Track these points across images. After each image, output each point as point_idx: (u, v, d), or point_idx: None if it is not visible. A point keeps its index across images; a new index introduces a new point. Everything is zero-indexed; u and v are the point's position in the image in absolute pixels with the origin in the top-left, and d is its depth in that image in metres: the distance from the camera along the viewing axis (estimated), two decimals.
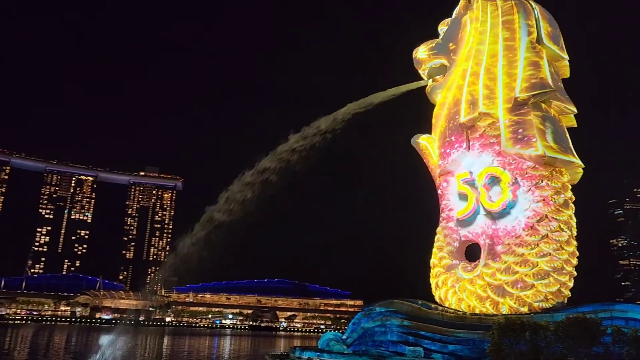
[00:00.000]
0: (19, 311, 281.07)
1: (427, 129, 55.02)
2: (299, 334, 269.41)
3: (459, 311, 41.47)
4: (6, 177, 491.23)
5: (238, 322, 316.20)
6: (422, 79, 56.32)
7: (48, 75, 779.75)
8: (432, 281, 46.99)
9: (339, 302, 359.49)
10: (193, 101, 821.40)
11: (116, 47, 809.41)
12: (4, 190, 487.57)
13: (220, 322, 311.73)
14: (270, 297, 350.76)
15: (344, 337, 16.76)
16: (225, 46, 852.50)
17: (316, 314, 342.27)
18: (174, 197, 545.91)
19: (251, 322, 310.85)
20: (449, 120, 51.72)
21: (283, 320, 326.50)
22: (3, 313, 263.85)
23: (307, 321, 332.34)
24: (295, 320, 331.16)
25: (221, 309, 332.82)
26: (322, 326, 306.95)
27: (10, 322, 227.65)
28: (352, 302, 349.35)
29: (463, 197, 50.15)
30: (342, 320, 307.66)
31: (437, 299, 44.80)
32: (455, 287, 44.54)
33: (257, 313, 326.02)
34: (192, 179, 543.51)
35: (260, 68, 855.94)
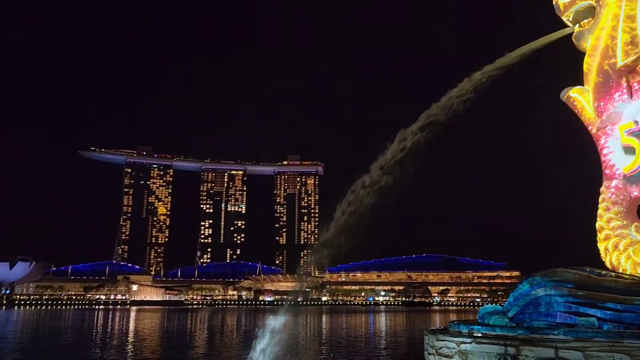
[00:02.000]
0: (195, 297, 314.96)
1: (578, 81, 49.61)
2: (454, 308, 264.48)
3: (636, 277, 37.24)
4: (171, 179, 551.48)
5: (391, 299, 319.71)
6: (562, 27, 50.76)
7: (188, 81, 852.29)
8: (600, 246, 42.58)
9: (493, 274, 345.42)
10: (331, 89, 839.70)
11: (254, 48, 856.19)
12: (170, 191, 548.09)
13: (374, 299, 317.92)
14: (420, 273, 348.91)
15: (505, 309, 15.94)
16: (361, 30, 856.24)
17: (470, 287, 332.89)
18: (316, 182, 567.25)
19: (404, 298, 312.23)
20: (603, 67, 46.14)
21: (436, 295, 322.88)
22: (182, 299, 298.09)
23: (460, 295, 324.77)
24: (449, 295, 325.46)
25: (373, 287, 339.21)
26: (478, 299, 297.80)
27: (189, 306, 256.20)
28: (507, 274, 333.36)
29: (629, 150, 44.43)
30: (498, 293, 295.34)
31: (607, 265, 40.66)
32: (629, 251, 40.01)
33: (409, 289, 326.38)
34: (331, 163, 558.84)
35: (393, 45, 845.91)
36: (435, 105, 18.74)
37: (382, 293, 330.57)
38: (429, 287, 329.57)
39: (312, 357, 45.06)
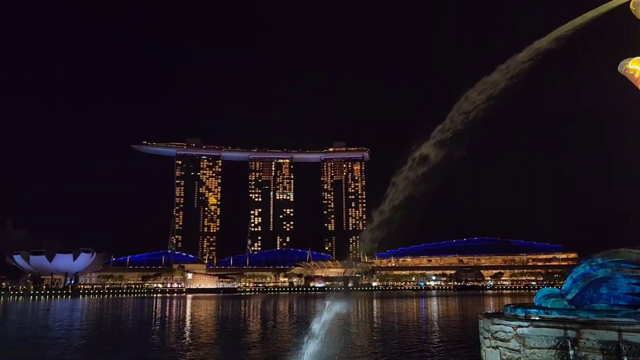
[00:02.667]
0: (247, 284, 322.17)
1: (634, 52, 46.87)
2: (508, 291, 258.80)
3: None
4: (219, 169, 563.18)
5: (442, 283, 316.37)
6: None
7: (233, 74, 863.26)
8: None
9: (549, 256, 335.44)
10: (375, 74, 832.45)
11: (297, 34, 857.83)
12: (219, 181, 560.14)
13: (425, 284, 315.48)
14: (472, 257, 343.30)
15: (563, 292, 15.41)
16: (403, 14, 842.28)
17: (524, 270, 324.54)
18: (362, 168, 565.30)
19: (456, 283, 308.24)
20: None
21: (489, 278, 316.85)
22: (236, 286, 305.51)
23: (515, 278, 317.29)
24: (502, 278, 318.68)
25: (423, 271, 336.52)
26: (533, 283, 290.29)
27: (242, 293, 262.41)
28: (564, 256, 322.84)
29: None
30: (555, 275, 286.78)
31: None
32: None
33: (460, 273, 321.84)
34: (377, 148, 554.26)
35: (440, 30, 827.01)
36: (494, 74, 17.92)
37: (433, 278, 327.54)
38: (481, 271, 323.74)
39: (364, 341, 45.32)
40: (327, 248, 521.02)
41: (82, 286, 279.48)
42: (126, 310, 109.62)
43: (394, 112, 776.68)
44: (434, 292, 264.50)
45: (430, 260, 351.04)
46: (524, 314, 14.08)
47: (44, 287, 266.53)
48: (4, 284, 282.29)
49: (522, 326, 12.87)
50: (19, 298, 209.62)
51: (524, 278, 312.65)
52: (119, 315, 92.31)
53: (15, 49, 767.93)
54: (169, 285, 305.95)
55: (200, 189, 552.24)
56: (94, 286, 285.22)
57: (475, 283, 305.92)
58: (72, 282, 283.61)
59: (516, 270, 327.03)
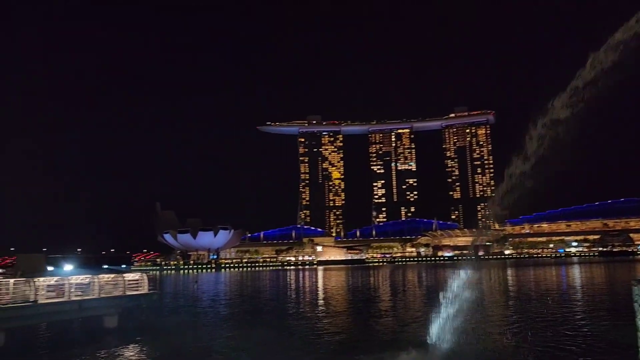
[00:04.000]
0: (375, 255, 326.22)
1: None
2: None
3: None
4: (341, 144, 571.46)
5: (585, 249, 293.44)
6: None
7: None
8: None
9: None
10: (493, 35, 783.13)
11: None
12: (341, 155, 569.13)
13: (564, 251, 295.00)
14: (619, 219, 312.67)
15: None
16: None
17: None
18: (488, 131, 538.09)
19: (601, 248, 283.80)
20: None
21: None
22: (364, 257, 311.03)
23: None
24: None
25: (562, 237, 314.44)
26: None
27: (370, 264, 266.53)
28: None
29: None
30: None
31: None
32: None
33: (606, 238, 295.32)
34: (503, 110, 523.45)
35: None
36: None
37: (574, 244, 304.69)
38: (630, 235, 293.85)
39: (500, 311, 43.77)
40: (453, 217, 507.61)
41: (223, 261, 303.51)
42: (263, 281, 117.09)
43: (521, 70, 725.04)
44: (575, 259, 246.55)
45: (570, 225, 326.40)
46: None
47: (191, 262, 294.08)
48: (158, 259, 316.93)
49: None
50: (171, 272, 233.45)
51: None
52: (257, 286, 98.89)
53: (158, 39, 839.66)
54: (300, 258, 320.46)
55: (324, 164, 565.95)
56: (233, 260, 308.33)
57: (624, 248, 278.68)
58: (215, 257, 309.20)
59: None
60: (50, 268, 35.13)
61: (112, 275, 35.08)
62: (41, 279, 30.61)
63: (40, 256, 37.50)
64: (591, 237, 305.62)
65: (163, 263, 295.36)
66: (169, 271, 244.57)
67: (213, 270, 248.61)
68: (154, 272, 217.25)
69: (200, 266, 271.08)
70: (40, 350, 29.57)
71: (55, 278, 31.73)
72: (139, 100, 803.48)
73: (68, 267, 35.37)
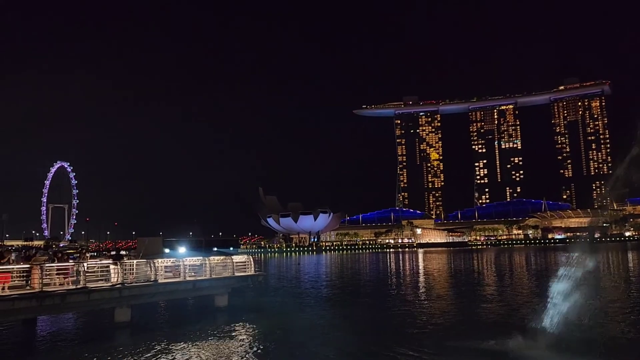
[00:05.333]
0: (478, 237, 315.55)
1: None
2: None
3: None
4: (439, 124, 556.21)
5: None
6: None
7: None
8: None
9: None
10: None
11: None
12: (440, 136, 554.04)
13: None
14: None
15: None
16: None
17: None
18: (603, 104, 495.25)
19: None
20: None
21: None
22: (466, 240, 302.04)
23: None
24: None
25: None
26: None
27: (473, 247, 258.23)
28: None
29: None
30: None
31: None
32: None
33: None
34: (621, 78, 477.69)
35: None
36: None
37: None
38: None
39: (616, 298, 40.53)
40: (564, 196, 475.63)
41: (323, 243, 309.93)
42: (363, 264, 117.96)
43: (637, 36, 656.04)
44: None
45: None
46: None
47: (293, 244, 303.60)
48: (262, 242, 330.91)
49: None
50: (274, 255, 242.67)
51: None
52: (357, 268, 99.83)
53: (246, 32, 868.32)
54: (399, 241, 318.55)
55: (421, 145, 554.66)
56: (333, 243, 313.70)
57: None
58: (315, 239, 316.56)
59: None
60: (166, 250, 37.97)
61: (222, 257, 37.16)
62: (159, 260, 33.23)
63: (158, 239, 40.59)
64: None
65: (267, 246, 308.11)
66: (272, 254, 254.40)
67: (314, 252, 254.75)
68: (259, 254, 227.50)
69: (301, 249, 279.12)
70: (162, 325, 32.24)
71: (172, 260, 34.28)
72: (244, 90, 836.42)
73: (182, 249, 38.00)
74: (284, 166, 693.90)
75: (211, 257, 35.89)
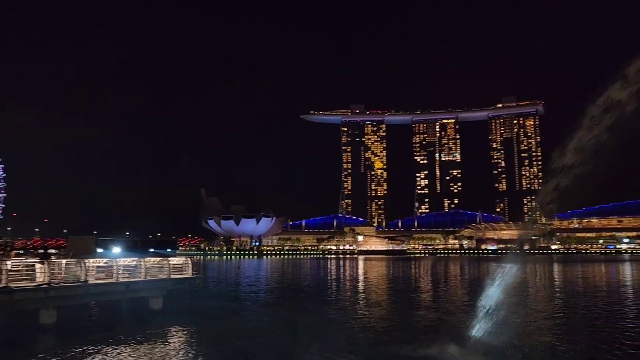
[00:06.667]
0: (416, 246, 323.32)
1: None
2: None
3: None
4: (384, 133, 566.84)
5: (637, 246, 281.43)
6: None
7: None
8: None
9: None
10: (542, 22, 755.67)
11: None
12: (384, 145, 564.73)
13: (615, 247, 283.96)
14: None
15: None
16: None
17: None
18: (536, 122, 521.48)
19: None
20: None
21: None
22: (405, 248, 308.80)
23: None
24: None
25: (613, 233, 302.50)
26: None
27: (411, 255, 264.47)
28: None
29: None
30: None
31: None
32: None
33: None
34: (553, 100, 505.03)
35: None
36: None
37: (626, 240, 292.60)
38: None
39: (543, 306, 42.60)
40: (498, 209, 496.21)
41: (265, 247, 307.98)
42: (304, 269, 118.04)
43: (570, 60, 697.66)
44: (626, 256, 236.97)
45: (622, 221, 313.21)
46: None
47: (234, 248, 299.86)
48: (202, 245, 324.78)
49: None
50: (214, 257, 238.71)
51: None
52: (298, 274, 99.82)
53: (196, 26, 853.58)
54: (341, 247, 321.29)
55: (366, 153, 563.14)
56: (275, 247, 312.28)
57: None
58: (257, 243, 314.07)
59: None
60: (99, 250, 36.52)
61: (158, 259, 36.14)
62: (91, 260, 31.88)
63: (90, 238, 39.01)
64: None
65: (207, 248, 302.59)
66: (212, 256, 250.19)
67: (255, 256, 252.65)
68: (198, 256, 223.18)
69: (242, 252, 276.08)
70: (89, 328, 30.89)
71: (104, 260, 32.97)
72: (184, 85, 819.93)
73: (116, 249, 36.66)
74: (229, 168, 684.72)
75: (147, 259, 34.83)
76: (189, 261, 38.18)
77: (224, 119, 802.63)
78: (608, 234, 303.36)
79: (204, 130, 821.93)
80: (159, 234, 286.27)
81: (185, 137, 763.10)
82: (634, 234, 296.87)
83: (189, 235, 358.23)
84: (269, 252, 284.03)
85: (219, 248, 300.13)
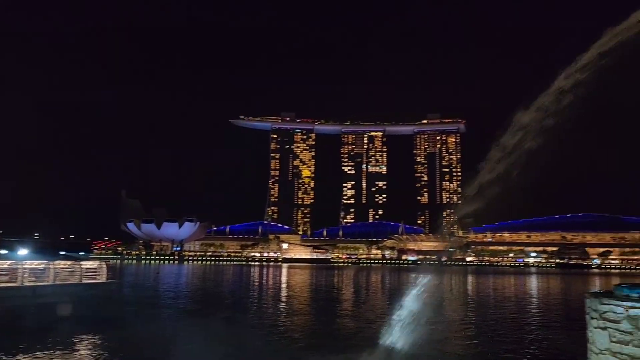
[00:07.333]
0: (340, 255, 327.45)
1: None
2: (617, 271, 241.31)
3: None
4: (313, 142, 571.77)
5: (543, 260, 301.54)
6: None
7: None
8: None
9: None
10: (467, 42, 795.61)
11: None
12: (313, 154, 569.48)
13: (523, 261, 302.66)
14: (577, 233, 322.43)
15: None
16: None
17: (637, 249, 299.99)
18: (458, 140, 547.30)
19: (558, 260, 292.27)
20: None
21: (595, 257, 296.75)
22: (329, 257, 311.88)
23: (625, 257, 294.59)
24: (611, 257, 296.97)
25: (522, 247, 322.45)
26: None
27: (335, 264, 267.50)
28: None
29: None
30: None
31: None
32: None
33: (563, 250, 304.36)
34: (474, 119, 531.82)
35: None
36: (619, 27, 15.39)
37: (533, 254, 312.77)
38: (587, 249, 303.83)
39: (459, 315, 44.46)
40: (419, 221, 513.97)
41: (187, 253, 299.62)
42: (226, 276, 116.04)
43: (493, 82, 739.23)
44: (533, 269, 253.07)
45: (530, 236, 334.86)
46: (638, 295, 12.97)
47: (154, 252, 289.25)
48: (119, 248, 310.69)
49: (635, 307, 11.84)
50: (132, 262, 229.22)
51: (636, 257, 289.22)
52: (220, 280, 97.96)
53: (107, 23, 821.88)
54: (265, 255, 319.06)
55: (295, 161, 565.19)
56: (197, 253, 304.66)
57: (580, 261, 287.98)
58: (178, 248, 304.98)
59: (627, 249, 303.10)
60: (3, 251, 33.97)
61: (69, 263, 34.13)
62: None
63: None
64: (550, 248, 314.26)
65: (124, 252, 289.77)
66: (130, 261, 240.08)
67: (176, 262, 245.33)
68: (115, 261, 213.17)
69: (162, 257, 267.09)
70: None
71: (8, 262, 30.67)
72: (109, 83, 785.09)
73: (23, 251, 34.25)
74: (153, 170, 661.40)
75: (57, 262, 32.79)
76: (104, 265, 36.41)
77: (151, 118, 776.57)
78: (518, 248, 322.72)
79: (128, 128, 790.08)
80: (72, 236, 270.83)
81: (107, 134, 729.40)
82: (541, 248, 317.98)
83: (106, 238, 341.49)
84: (190, 258, 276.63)
85: (137, 252, 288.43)
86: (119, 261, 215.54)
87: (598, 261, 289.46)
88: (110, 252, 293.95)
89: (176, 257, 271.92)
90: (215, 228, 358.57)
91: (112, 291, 41.25)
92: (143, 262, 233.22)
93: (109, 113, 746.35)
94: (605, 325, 13.01)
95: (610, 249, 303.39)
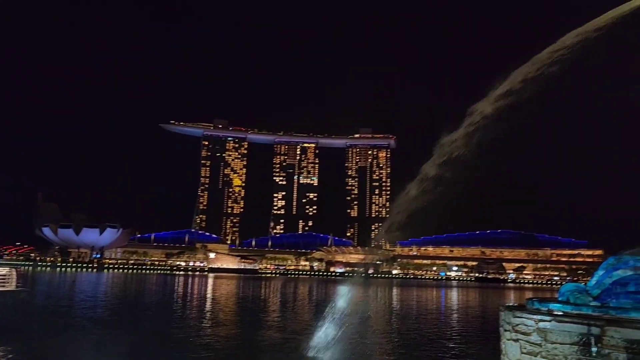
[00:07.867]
0: (268, 266, 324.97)
1: None
2: (530, 286, 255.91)
3: None
4: (245, 151, 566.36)
5: (463, 274, 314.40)
6: None
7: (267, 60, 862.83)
8: None
9: (574, 252, 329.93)
10: (402, 61, 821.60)
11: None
12: (245, 163, 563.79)
13: (446, 274, 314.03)
14: (495, 249, 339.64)
15: (588, 288, 14.97)
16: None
17: (548, 265, 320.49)
18: (388, 155, 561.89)
19: (477, 274, 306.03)
20: None
21: (511, 272, 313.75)
22: (257, 268, 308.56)
23: (538, 272, 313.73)
24: (525, 272, 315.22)
25: (445, 261, 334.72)
26: (556, 278, 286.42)
27: (262, 275, 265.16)
28: (589, 252, 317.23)
29: None
30: (579, 272, 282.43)
31: None
32: None
33: (482, 265, 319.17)
34: (404, 135, 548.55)
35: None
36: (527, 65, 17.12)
37: (455, 268, 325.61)
38: (504, 264, 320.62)
39: (382, 327, 45.26)
40: (348, 234, 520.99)
41: (107, 261, 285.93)
42: (148, 286, 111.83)
43: (424, 100, 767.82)
44: (454, 282, 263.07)
45: (452, 251, 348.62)
46: (547, 308, 13.75)
47: (71, 259, 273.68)
48: (32, 255, 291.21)
49: (544, 320, 12.54)
50: (46, 269, 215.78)
51: (547, 273, 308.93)
52: (142, 290, 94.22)
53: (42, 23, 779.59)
54: (191, 264, 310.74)
55: (226, 170, 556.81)
56: (119, 261, 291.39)
57: (497, 276, 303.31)
58: (98, 256, 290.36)
59: (539, 265, 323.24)
60: None
61: None
62: None
63: None
64: (470, 263, 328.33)
65: (38, 259, 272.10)
66: (43, 268, 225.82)
67: (94, 270, 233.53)
68: (26, 268, 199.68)
69: (80, 265, 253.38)
70: None
71: None
72: (32, 83, 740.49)
73: None
74: (73, 173, 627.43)
75: None
76: (14, 272, 33.94)
77: (76, 118, 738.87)
78: (441, 262, 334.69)
79: (49, 128, 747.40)
80: None
81: (26, 132, 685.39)
82: (462, 262, 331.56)
83: (18, 243, 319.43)
84: (111, 266, 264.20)
85: (52, 259, 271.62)
86: (31, 268, 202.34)
87: (513, 276, 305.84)
88: (22, 258, 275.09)
89: (95, 265, 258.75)
90: (139, 235, 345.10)
91: (22, 300, 38.51)
92: (58, 269, 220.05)
93: (28, 106, 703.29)
94: (517, 337, 13.70)
95: (525, 265, 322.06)
